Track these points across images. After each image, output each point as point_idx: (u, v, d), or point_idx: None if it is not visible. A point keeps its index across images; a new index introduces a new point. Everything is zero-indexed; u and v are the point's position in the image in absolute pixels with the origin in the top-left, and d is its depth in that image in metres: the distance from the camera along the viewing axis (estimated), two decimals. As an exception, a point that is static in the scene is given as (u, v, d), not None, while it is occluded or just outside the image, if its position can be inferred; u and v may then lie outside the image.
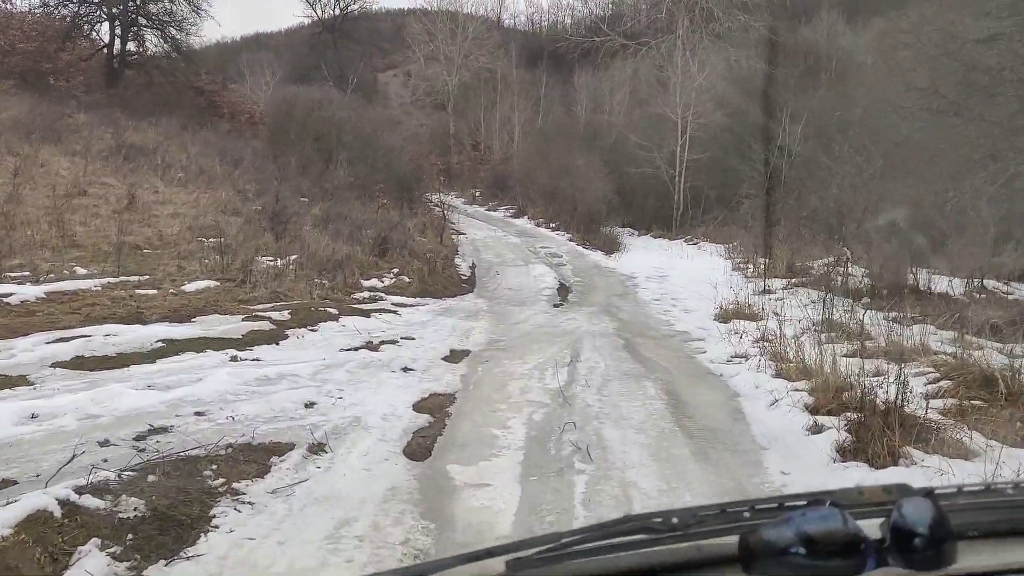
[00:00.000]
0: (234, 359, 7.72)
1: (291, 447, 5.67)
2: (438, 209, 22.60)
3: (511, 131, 46.41)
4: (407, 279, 13.34)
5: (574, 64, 49.68)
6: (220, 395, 6.50)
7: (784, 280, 15.18)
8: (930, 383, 7.47)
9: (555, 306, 12.64)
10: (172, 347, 7.73)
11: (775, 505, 1.11)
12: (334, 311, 10.23)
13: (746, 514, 1.11)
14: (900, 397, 6.47)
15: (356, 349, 8.72)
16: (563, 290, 14.26)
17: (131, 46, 37.40)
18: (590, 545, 1.08)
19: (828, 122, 27.51)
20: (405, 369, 8.16)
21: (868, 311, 11.90)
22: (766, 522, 1.01)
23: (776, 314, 11.85)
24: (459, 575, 1.05)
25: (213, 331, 8.45)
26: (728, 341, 10.11)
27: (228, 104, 38.58)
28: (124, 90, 34.81)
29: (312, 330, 9.29)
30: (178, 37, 37.31)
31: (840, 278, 15.30)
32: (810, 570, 0.95)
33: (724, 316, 11.86)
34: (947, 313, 10.78)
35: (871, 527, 1.00)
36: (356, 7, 45.54)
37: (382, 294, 12.38)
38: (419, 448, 5.98)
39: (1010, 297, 13.89)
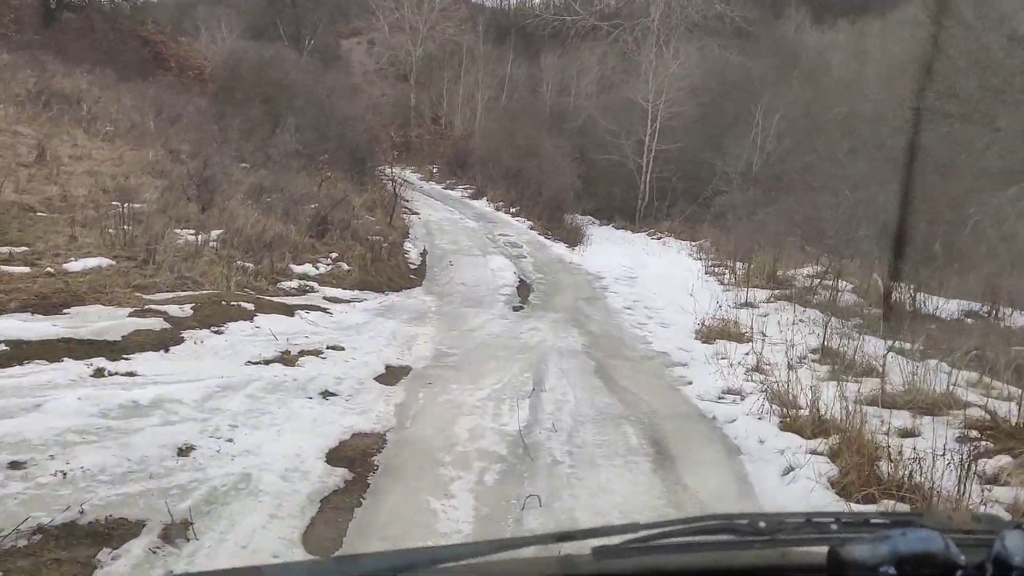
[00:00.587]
0: (99, 374, 5.82)
1: (138, 529, 3.89)
2: (391, 186, 20.69)
3: (474, 107, 44.49)
4: (346, 267, 11.48)
5: (542, 44, 48.12)
6: (58, 434, 4.64)
7: (765, 291, 13.67)
8: (981, 453, 5.95)
9: (515, 309, 10.89)
10: (17, 353, 5.78)
11: (862, 521, 1.13)
12: (250, 306, 8.34)
13: (833, 526, 1.10)
14: (962, 486, 4.95)
15: (268, 362, 6.87)
16: (524, 289, 12.50)
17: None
18: (674, 541, 1.07)
19: (806, 120, 26.16)
20: (326, 394, 6.38)
21: (864, 334, 10.44)
22: (858, 537, 0.99)
23: (764, 335, 10.32)
24: (548, 551, 1.06)
25: (84, 330, 6.52)
26: (716, 369, 8.51)
27: (176, 57, 36.03)
28: (60, 34, 32.11)
29: (217, 331, 7.41)
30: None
31: (826, 292, 13.86)
32: None
33: (707, 335, 10.27)
34: (956, 345, 9.30)
35: (966, 553, 0.96)
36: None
37: (314, 284, 10.52)
38: (326, 534, 4.23)
39: (1002, 325, 12.59)
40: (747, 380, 8.09)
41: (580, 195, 27.00)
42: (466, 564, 1.05)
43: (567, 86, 43.18)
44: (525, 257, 15.75)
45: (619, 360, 8.72)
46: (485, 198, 26.53)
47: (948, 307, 12.61)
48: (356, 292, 10.60)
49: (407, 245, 15.39)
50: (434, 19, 54.64)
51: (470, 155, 33.34)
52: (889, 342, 9.66)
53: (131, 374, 5.97)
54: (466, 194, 28.19)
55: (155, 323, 7.14)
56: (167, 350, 6.67)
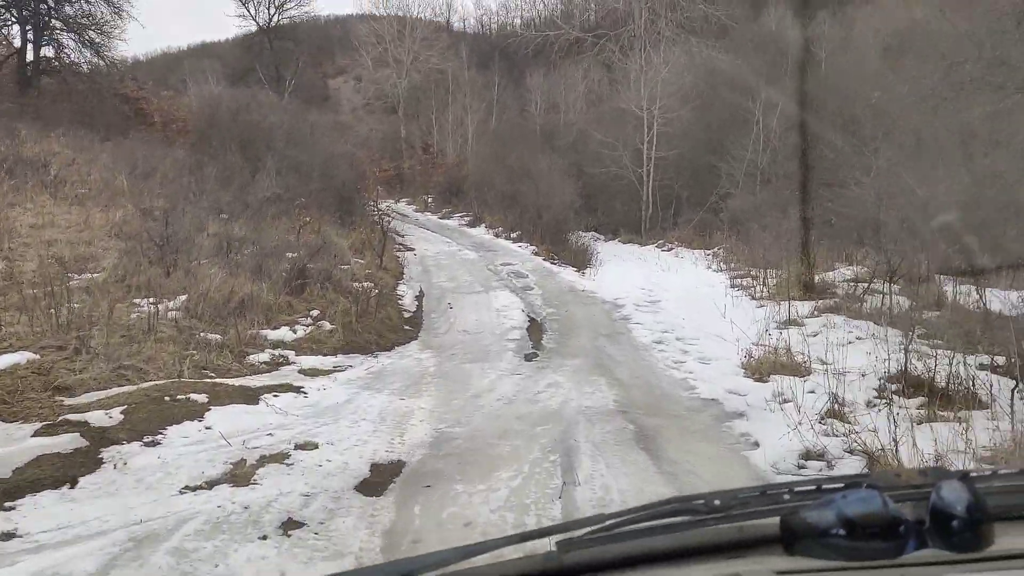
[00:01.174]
0: (-44, 546, 4.08)
1: None
2: (380, 223, 19.00)
3: (464, 133, 43.04)
4: (328, 326, 9.71)
5: (526, 65, 46.86)
6: None
7: (806, 303, 11.85)
8: None
9: (527, 358, 9.07)
10: None
11: (814, 487, 1.10)
12: (202, 398, 6.57)
13: (786, 496, 1.10)
14: None
15: (212, 485, 5.07)
16: (535, 330, 10.68)
17: (48, 51, 33.27)
18: (636, 527, 1.08)
19: (809, 114, 24.42)
20: (287, 526, 4.58)
21: (937, 350, 8.61)
22: (807, 504, 1.01)
23: (824, 362, 8.52)
24: (512, 553, 1.05)
25: (-40, 469, 4.80)
26: (781, 418, 6.71)
27: (160, 112, 34.63)
28: (38, 99, 30.73)
29: (151, 443, 5.64)
30: (99, 41, 33.29)
31: (871, 298, 12.02)
32: (851, 551, 0.93)
33: (757, 369, 8.45)
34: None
35: (909, 509, 0.97)
36: (292, 6, 41.39)
37: (290, 353, 8.76)
38: None
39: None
40: (827, 434, 6.29)
41: (581, 211, 25.27)
42: (436, 574, 1.04)
43: (555, 104, 41.77)
44: (532, 288, 13.97)
45: (662, 418, 6.90)
46: (483, 225, 24.81)
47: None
48: (339, 357, 8.83)
49: (401, 288, 13.65)
50: (416, 49, 53.39)
51: (464, 182, 31.71)
52: (961, 356, 7.83)
53: (7, 536, 4.20)
54: (463, 222, 26.48)
55: (66, 442, 5.37)
56: (73, 484, 4.88)
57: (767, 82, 27.27)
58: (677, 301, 12.80)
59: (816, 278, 13.37)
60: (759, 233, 21.41)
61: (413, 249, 19.62)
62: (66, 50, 33.05)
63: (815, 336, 9.98)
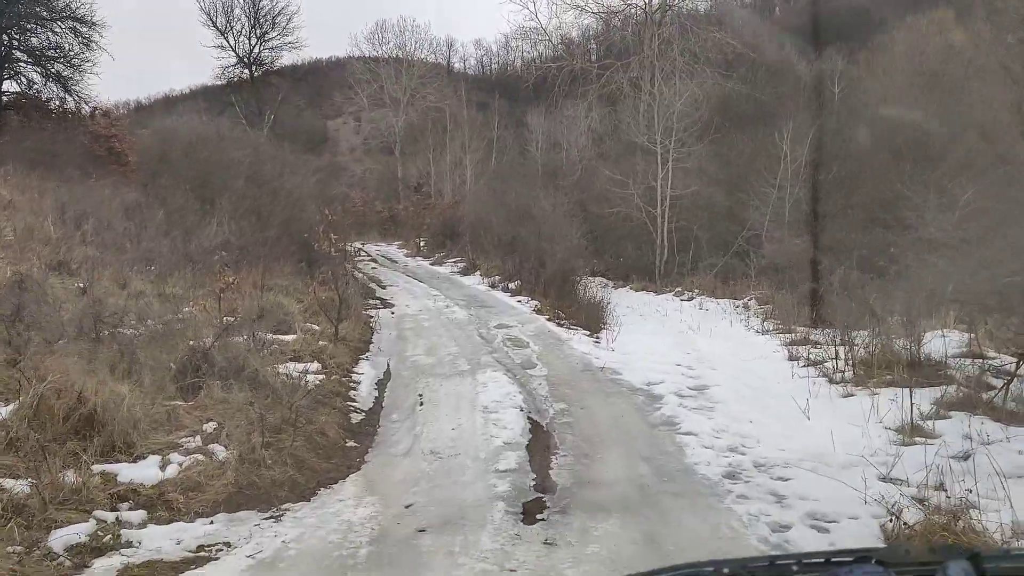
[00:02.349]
0: None
1: None
2: (336, 282, 15.43)
3: (463, 174, 39.84)
4: (222, 453, 6.08)
5: (527, 105, 43.99)
6: None
7: (916, 390, 8.20)
8: None
9: (527, 518, 5.37)
10: None
11: (822, 560, 1.08)
12: None
13: (794, 568, 1.08)
14: None
15: None
16: (539, 447, 6.92)
17: (12, 86, 30.06)
18: None
19: (850, 145, 21.00)
20: None
21: None
22: None
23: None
24: None
25: None
26: None
27: (136, 150, 31.32)
28: (-3, 136, 27.39)
29: None
30: (67, 75, 30.09)
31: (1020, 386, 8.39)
32: None
33: (919, 535, 4.85)
34: None
35: None
36: (276, 36, 38.26)
37: (138, 515, 5.13)
38: None
39: None
40: None
41: (586, 255, 21.75)
42: None
43: (557, 143, 38.71)
44: (535, 366, 10.30)
45: None
46: (477, 273, 21.24)
47: None
48: (217, 523, 5.16)
49: (360, 368, 10.00)
50: (414, 87, 50.56)
51: (459, 224, 28.26)
52: None
53: None
54: (456, 269, 22.91)
55: None
56: None
57: (792, 113, 23.95)
58: (731, 386, 9.16)
59: (913, 350, 9.73)
60: (799, 281, 17.90)
61: (392, 305, 16.03)
62: (35, 85, 29.97)
63: (965, 459, 6.38)
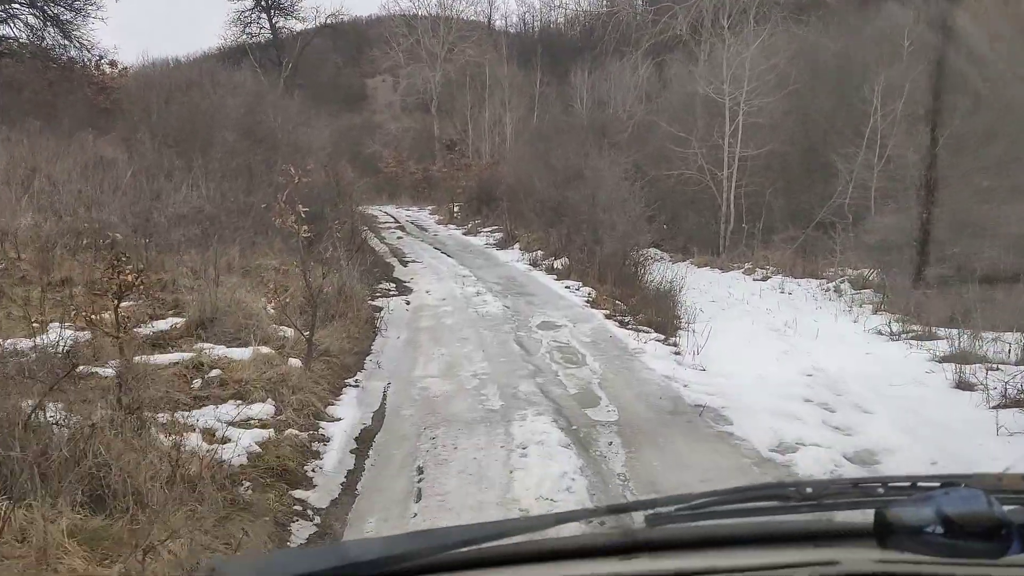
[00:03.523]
0: None
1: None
2: (306, 270, 11.97)
3: (502, 132, 36.04)
4: None
5: (570, 62, 39.89)
6: None
7: None
8: None
9: None
10: None
11: (908, 483, 1.04)
12: None
13: (879, 490, 1.04)
14: None
15: None
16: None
17: (7, 30, 26.85)
18: (724, 508, 1.02)
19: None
20: None
21: None
22: (903, 499, 0.94)
23: None
24: (603, 521, 1.05)
25: None
26: None
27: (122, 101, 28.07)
28: (-12, 87, 24.36)
29: None
30: (66, 19, 26.83)
31: None
32: (949, 549, 0.87)
33: None
34: None
35: (1012, 513, 0.89)
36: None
37: None
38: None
39: None
40: None
41: (649, 227, 18.02)
42: (529, 538, 0.99)
43: (603, 101, 34.82)
44: (597, 402, 6.74)
45: None
46: (516, 246, 17.66)
47: None
48: None
49: (340, 406, 6.58)
50: (452, 41, 46.68)
51: (497, 187, 24.64)
52: None
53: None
54: (491, 241, 19.34)
55: None
56: None
57: (885, 65, 19.78)
58: (914, 453, 5.60)
59: None
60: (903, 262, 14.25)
61: (410, 291, 12.57)
62: (33, 29, 26.80)
63: None
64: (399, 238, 20.72)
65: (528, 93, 37.92)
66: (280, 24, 32.46)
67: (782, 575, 0.94)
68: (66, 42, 26.57)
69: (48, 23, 25.96)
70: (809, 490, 1.04)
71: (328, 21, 47.86)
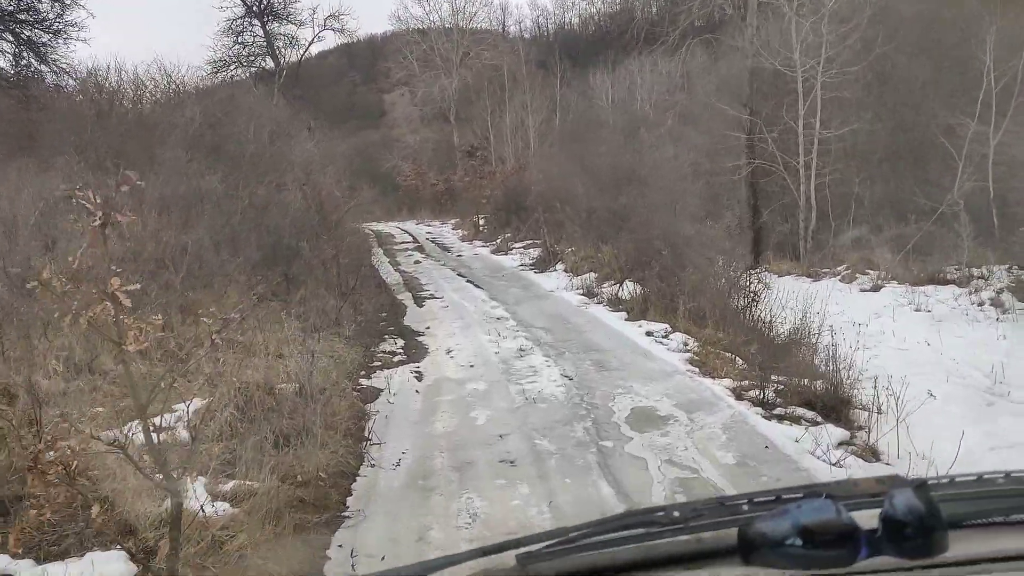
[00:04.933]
0: None
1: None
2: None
3: (525, 136, 32.07)
4: None
5: (588, 62, 36.37)
6: None
7: None
8: None
9: None
10: None
11: (773, 498, 1.03)
12: None
13: (744, 507, 1.03)
14: None
15: None
16: None
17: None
18: (596, 539, 1.00)
19: None
20: None
21: None
22: (763, 515, 0.94)
23: None
24: (472, 568, 0.97)
25: None
26: None
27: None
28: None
29: None
30: (43, 42, 23.21)
31: None
32: (806, 560, 0.88)
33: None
34: None
35: (865, 518, 0.89)
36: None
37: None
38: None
39: None
40: None
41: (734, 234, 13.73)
42: None
43: (628, 96, 31.13)
44: None
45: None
46: (559, 267, 13.50)
47: None
48: None
49: None
50: (467, 45, 42.92)
51: (526, 194, 20.55)
52: None
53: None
54: (527, 261, 15.18)
55: None
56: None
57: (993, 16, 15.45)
58: None
59: None
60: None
61: (424, 353, 8.42)
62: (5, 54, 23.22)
63: None
64: (416, 263, 16.65)
65: (548, 95, 34.01)
66: (276, 30, 28.49)
67: None
68: (42, 67, 22.92)
69: (21, 47, 22.27)
70: (677, 513, 1.00)
71: (329, 25, 44.09)
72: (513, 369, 7.35)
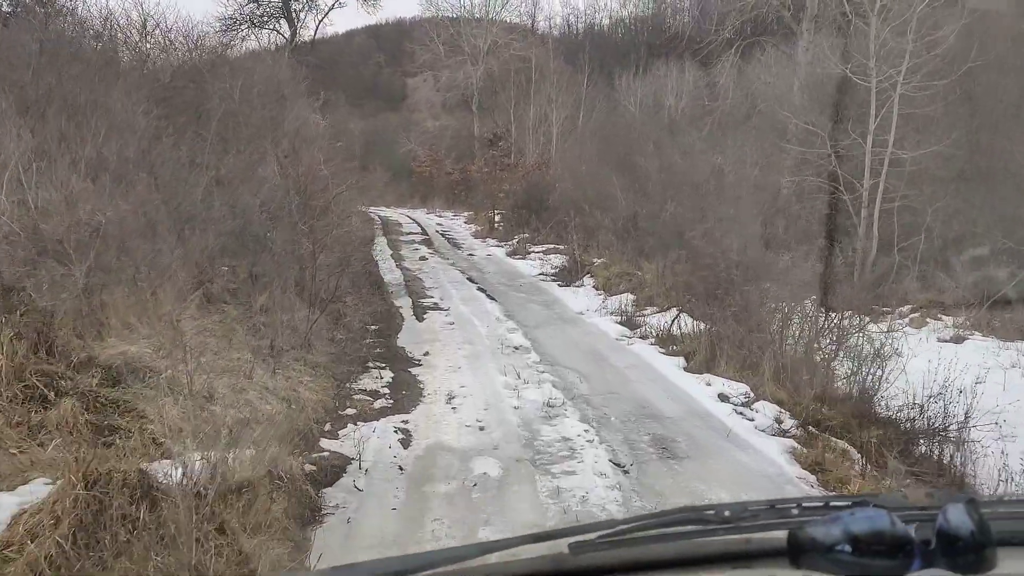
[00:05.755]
0: None
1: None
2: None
3: (548, 131, 29.86)
4: None
5: (615, 65, 34.59)
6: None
7: None
8: None
9: None
10: None
11: (821, 504, 1.01)
12: None
13: (794, 511, 1.00)
14: None
15: None
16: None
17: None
18: (647, 533, 0.98)
19: None
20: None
21: None
22: (815, 519, 0.91)
23: None
24: (525, 553, 0.96)
25: None
26: None
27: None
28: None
29: None
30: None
31: None
32: (858, 567, 0.84)
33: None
34: None
35: (915, 530, 0.87)
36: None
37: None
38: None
39: None
40: None
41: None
42: (453, 569, 0.95)
43: (654, 103, 29.27)
44: None
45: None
46: (588, 281, 11.15)
47: None
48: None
49: None
50: (496, 33, 40.60)
51: (549, 193, 18.22)
52: None
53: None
54: (549, 269, 12.81)
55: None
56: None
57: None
58: None
59: None
60: None
61: (418, 396, 6.13)
62: None
63: None
64: (422, 259, 14.36)
65: (574, 93, 31.79)
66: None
67: None
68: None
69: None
70: (727, 513, 0.97)
71: (381, 27, 42.02)
72: (540, 441, 5.05)
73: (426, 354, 7.26)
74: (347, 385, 6.03)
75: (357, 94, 47.89)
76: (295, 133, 9.39)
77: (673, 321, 7.71)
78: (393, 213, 26.40)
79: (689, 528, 0.99)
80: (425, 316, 9.04)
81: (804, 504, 1.01)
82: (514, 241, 16.35)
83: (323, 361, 6.16)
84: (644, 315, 8.85)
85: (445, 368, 6.71)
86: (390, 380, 6.32)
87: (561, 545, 0.95)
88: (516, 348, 7.49)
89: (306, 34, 29.47)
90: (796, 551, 0.89)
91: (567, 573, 0.94)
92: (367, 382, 6.20)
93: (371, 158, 39.32)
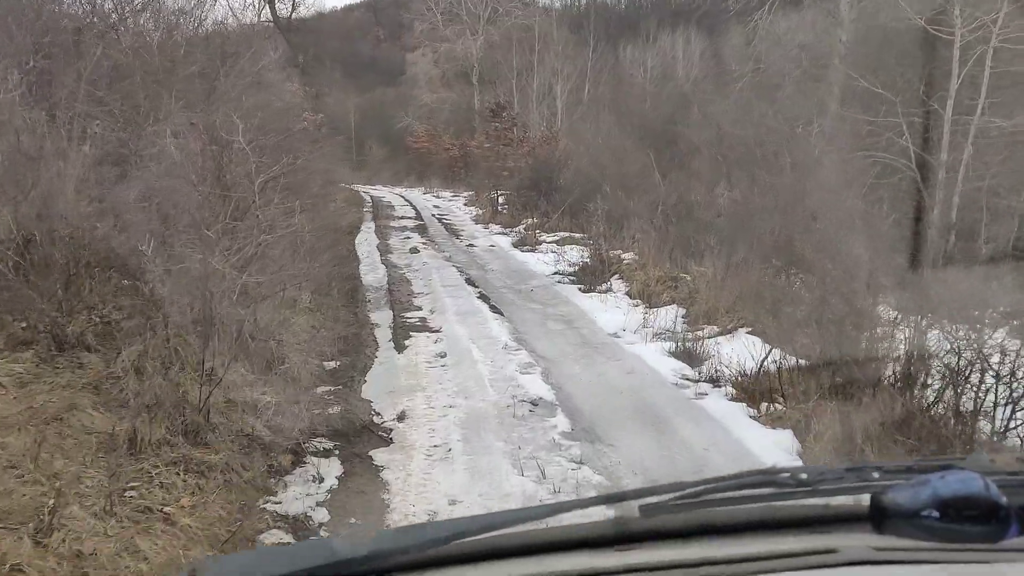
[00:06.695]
0: None
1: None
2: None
3: (552, 104, 27.43)
4: None
5: (619, 35, 32.44)
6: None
7: None
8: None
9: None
10: None
11: (904, 468, 0.91)
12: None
13: (875, 475, 0.91)
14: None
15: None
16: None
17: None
18: (719, 496, 0.91)
19: None
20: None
21: None
22: (899, 483, 0.83)
23: None
24: (595, 515, 0.91)
25: None
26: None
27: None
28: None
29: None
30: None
31: None
32: (947, 534, 0.78)
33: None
34: None
35: (1007, 495, 0.80)
36: None
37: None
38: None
39: None
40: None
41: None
42: (520, 530, 0.90)
43: (667, 74, 27.23)
44: None
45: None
46: (620, 287, 8.62)
47: None
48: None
49: None
50: (495, 0, 37.80)
51: (560, 171, 15.59)
52: None
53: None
54: (565, 268, 10.17)
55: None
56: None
57: None
58: None
59: None
60: None
61: (374, 516, 3.71)
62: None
63: None
64: (413, 251, 11.79)
65: (578, 64, 29.21)
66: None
67: (779, 564, 0.84)
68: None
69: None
70: (804, 476, 0.90)
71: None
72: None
73: (400, 415, 4.77)
74: (258, 502, 3.51)
75: (355, 70, 45.57)
76: (239, 101, 6.75)
77: (762, 364, 5.16)
78: (387, 193, 23.81)
79: (764, 491, 0.90)
80: (408, 342, 6.51)
81: (885, 468, 0.91)
82: (521, 228, 13.75)
83: (223, 458, 3.63)
84: (701, 337, 6.32)
85: (426, 454, 4.20)
86: (334, 486, 3.80)
87: (632, 507, 0.88)
88: (534, 405, 4.98)
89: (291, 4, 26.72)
90: (879, 516, 0.81)
91: (638, 534, 0.88)
92: (294, 492, 3.68)
93: (367, 134, 36.59)
